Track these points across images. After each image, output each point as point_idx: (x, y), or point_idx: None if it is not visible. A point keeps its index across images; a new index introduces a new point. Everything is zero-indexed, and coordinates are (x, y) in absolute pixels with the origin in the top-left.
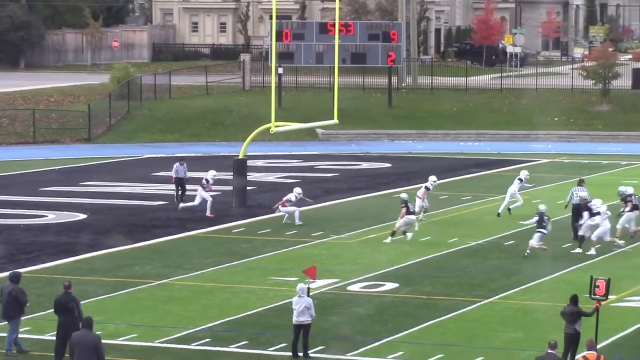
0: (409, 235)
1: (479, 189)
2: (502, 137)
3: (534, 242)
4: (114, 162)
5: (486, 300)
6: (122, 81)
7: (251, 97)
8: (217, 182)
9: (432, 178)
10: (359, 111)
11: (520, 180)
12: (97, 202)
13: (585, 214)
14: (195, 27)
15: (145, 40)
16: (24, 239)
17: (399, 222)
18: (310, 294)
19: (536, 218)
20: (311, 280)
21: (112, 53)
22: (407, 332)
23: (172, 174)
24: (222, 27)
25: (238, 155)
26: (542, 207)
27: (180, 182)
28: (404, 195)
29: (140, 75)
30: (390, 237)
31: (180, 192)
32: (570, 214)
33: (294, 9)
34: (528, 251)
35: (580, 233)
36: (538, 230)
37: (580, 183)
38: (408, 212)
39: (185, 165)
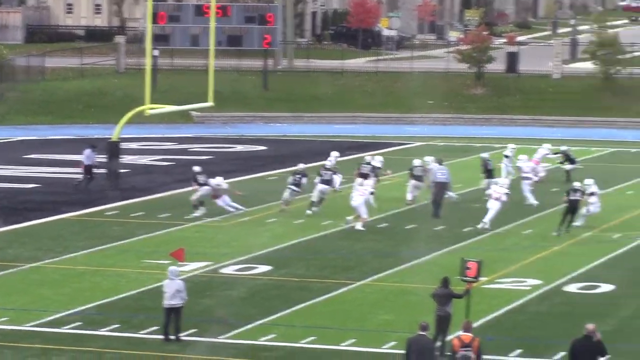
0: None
1: (352, 171)
2: (377, 120)
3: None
4: None
5: (359, 283)
6: None
7: (126, 79)
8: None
9: (335, 154)
10: (234, 94)
11: (506, 156)
12: None
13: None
14: (69, 9)
15: (18, 22)
16: None
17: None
18: (183, 276)
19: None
20: (179, 262)
21: None
22: (280, 314)
23: (83, 159)
24: (97, 9)
25: (112, 138)
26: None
27: (89, 169)
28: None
29: (13, 57)
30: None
31: (88, 178)
32: (433, 191)
33: None
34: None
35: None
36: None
37: (440, 162)
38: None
39: (95, 151)
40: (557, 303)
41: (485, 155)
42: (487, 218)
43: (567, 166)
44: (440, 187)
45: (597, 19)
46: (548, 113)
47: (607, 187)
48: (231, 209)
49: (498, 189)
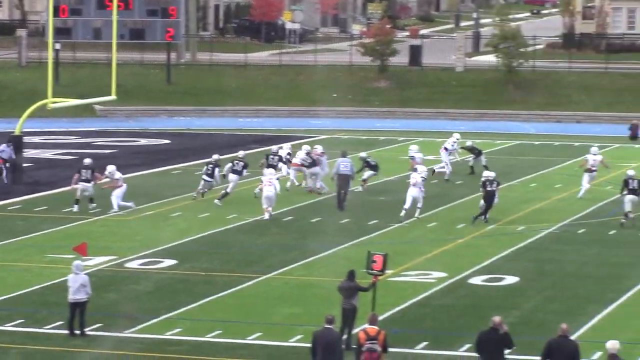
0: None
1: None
2: (281, 114)
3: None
4: None
5: (264, 276)
6: None
7: (28, 73)
8: None
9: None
10: (137, 87)
11: (446, 148)
12: None
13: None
14: None
15: None
16: None
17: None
18: (88, 271)
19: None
20: (83, 257)
21: None
22: (185, 308)
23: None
24: None
25: (14, 132)
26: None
27: (6, 162)
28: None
29: None
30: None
31: (5, 173)
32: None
33: None
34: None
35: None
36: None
37: (344, 155)
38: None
39: (11, 147)
40: (462, 295)
41: (363, 154)
42: (407, 205)
43: (472, 160)
44: (344, 180)
45: (499, 12)
46: (451, 106)
47: (511, 179)
48: (124, 204)
49: (416, 176)
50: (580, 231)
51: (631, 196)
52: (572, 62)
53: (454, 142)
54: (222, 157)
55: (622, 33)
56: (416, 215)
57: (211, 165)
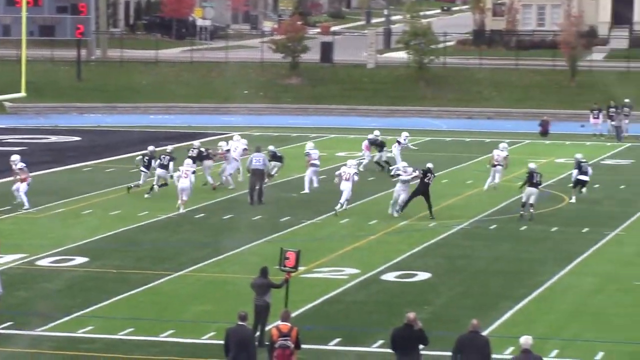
0: None
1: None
2: (192, 110)
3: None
4: None
5: (177, 274)
6: None
7: None
8: None
9: (236, 137)
10: (48, 84)
11: (399, 142)
12: None
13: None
14: None
15: None
16: None
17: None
18: None
19: None
20: None
21: None
22: (97, 306)
23: None
24: None
25: None
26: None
27: None
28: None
29: None
30: None
31: None
32: (251, 179)
33: None
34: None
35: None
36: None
37: (258, 150)
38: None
39: None
40: (374, 292)
41: (272, 147)
42: (343, 199)
43: (377, 155)
44: (257, 175)
45: (410, 8)
46: (363, 102)
47: None
48: (23, 198)
49: (347, 170)
50: (491, 227)
51: (532, 189)
52: (482, 58)
53: (406, 136)
54: (139, 153)
55: (532, 30)
56: (336, 208)
57: (147, 157)
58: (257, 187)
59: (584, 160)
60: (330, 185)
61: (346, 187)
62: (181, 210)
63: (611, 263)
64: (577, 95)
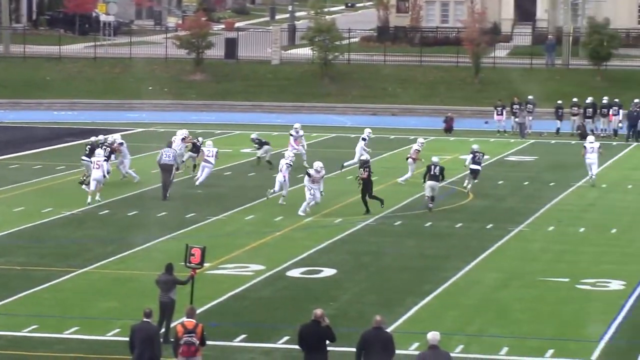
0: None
1: (73, 158)
2: (96, 106)
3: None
4: None
5: (81, 270)
6: None
7: None
8: None
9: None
10: None
11: (364, 139)
12: None
13: None
14: None
15: None
16: None
17: None
18: None
19: None
20: None
21: None
22: (1, 303)
23: None
24: None
25: None
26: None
27: None
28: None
29: None
30: None
31: None
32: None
33: None
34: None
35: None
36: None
37: (169, 145)
38: None
39: None
40: (280, 288)
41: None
42: (275, 188)
43: (260, 152)
44: (166, 170)
45: (314, 5)
46: (268, 99)
47: (328, 172)
48: None
49: (282, 161)
50: (396, 223)
51: (432, 182)
52: (387, 55)
53: (369, 132)
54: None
55: (436, 26)
56: (280, 201)
57: (89, 146)
58: (165, 182)
59: (479, 151)
60: (235, 182)
61: (279, 179)
62: (88, 201)
63: (515, 259)
64: (480, 92)
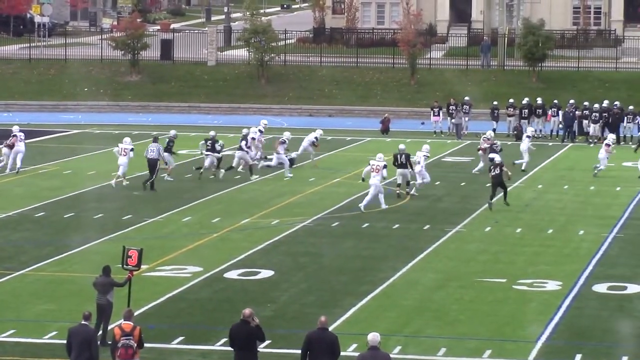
0: None
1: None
2: (31, 108)
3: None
4: None
5: (17, 273)
6: None
7: None
8: None
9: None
10: None
11: (316, 138)
12: None
13: None
14: None
15: None
16: None
17: None
18: None
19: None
20: None
21: None
22: None
23: None
24: None
25: None
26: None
27: None
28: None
29: None
30: None
31: None
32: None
33: None
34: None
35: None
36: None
37: (155, 139)
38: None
39: None
40: (218, 290)
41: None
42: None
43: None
44: (151, 164)
45: (250, 6)
46: (204, 100)
47: (267, 173)
48: None
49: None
50: (334, 224)
51: (401, 170)
52: (323, 56)
53: (321, 133)
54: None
55: (372, 28)
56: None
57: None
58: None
59: (403, 152)
60: (171, 183)
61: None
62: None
63: (452, 260)
64: (417, 93)
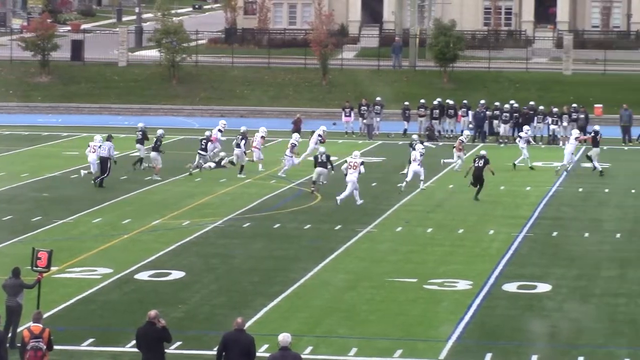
0: None
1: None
2: None
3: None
4: None
5: None
6: None
7: None
8: None
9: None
10: None
11: (320, 135)
12: None
13: None
14: None
15: None
16: None
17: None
18: None
19: None
20: None
21: None
22: None
23: None
24: None
25: None
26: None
27: None
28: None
29: None
30: None
31: None
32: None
33: None
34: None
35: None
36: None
37: (109, 138)
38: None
39: None
40: (128, 291)
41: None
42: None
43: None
44: (102, 161)
45: (161, 6)
46: (115, 101)
47: (174, 175)
48: None
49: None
50: (245, 225)
51: (319, 169)
52: (235, 57)
53: (324, 129)
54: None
55: (284, 28)
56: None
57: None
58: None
59: (324, 152)
60: (82, 184)
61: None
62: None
63: (363, 260)
64: (329, 93)
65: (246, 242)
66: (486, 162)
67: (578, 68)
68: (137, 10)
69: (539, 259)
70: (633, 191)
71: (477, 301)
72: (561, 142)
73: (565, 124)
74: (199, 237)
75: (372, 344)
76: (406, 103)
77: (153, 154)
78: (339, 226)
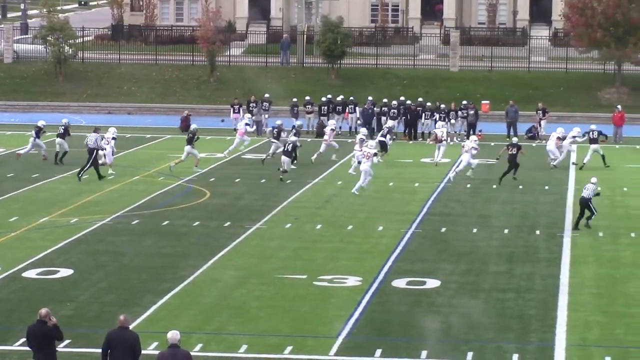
0: None
1: None
2: None
3: None
4: None
5: None
6: None
7: None
8: None
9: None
10: None
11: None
12: None
13: None
14: None
15: None
16: None
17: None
18: None
19: None
20: None
21: None
22: None
23: None
24: None
25: None
26: None
27: None
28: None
29: None
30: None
31: None
32: None
33: None
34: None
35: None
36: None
37: (96, 130)
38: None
39: None
40: (16, 289)
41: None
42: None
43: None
44: (89, 152)
45: (47, 3)
46: (1, 98)
47: (65, 171)
48: None
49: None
50: (134, 222)
51: (284, 157)
52: (121, 53)
53: (334, 122)
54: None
55: (171, 25)
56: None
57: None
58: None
59: (293, 142)
60: None
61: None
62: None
63: (253, 257)
64: (216, 90)
65: (135, 239)
66: (519, 148)
67: (465, 65)
68: (22, 6)
69: (428, 255)
70: (520, 187)
71: (367, 297)
72: (449, 139)
73: (453, 120)
74: (88, 234)
75: (263, 341)
76: (294, 100)
77: (187, 147)
78: (228, 223)
